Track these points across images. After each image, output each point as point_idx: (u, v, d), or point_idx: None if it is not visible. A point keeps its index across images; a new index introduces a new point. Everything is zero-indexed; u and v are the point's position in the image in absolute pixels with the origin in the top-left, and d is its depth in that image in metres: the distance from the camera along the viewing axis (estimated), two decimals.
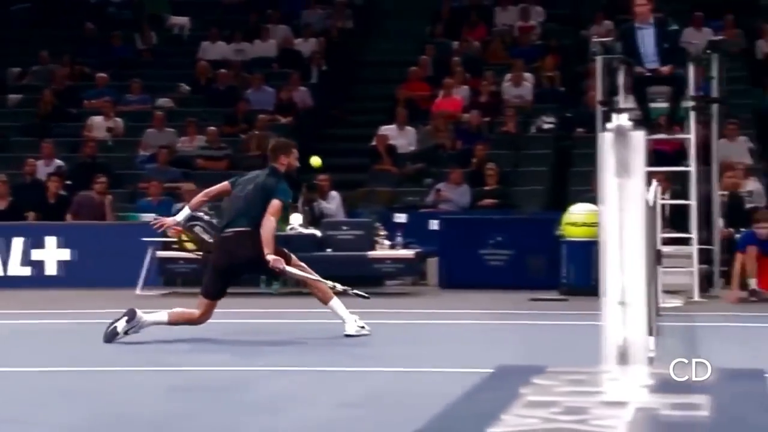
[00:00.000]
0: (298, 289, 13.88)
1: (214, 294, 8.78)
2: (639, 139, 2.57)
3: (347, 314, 8.86)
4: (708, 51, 13.21)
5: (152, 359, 7.87)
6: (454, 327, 9.40)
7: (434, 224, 14.41)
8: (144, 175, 17.11)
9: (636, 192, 2.57)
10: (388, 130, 17.66)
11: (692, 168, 12.61)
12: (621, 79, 12.91)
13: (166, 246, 13.83)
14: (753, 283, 12.00)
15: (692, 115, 12.73)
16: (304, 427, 5.44)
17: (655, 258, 9.80)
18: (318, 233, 13.79)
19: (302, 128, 18.48)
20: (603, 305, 2.56)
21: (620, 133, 2.54)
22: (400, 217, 14.51)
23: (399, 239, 13.79)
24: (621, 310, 2.60)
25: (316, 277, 8.92)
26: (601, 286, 2.58)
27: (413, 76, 19.00)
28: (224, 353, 8.20)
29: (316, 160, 10.63)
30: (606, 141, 2.52)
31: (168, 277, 14.12)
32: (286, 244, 13.56)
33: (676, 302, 11.67)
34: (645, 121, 12.90)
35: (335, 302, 8.87)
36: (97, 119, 18.54)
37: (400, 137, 17.69)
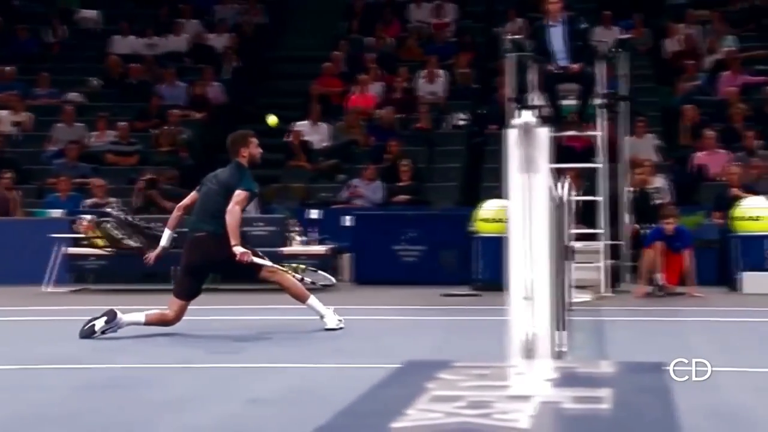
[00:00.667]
0: (215, 285, 13.85)
1: (187, 295, 8.79)
2: (543, 135, 2.60)
3: (324, 309, 8.96)
4: (616, 49, 13.41)
5: (65, 357, 7.74)
6: (366, 323, 9.41)
7: (348, 220, 14.43)
8: (53, 170, 16.83)
9: (541, 188, 2.60)
10: (302, 126, 17.62)
11: (601, 165, 12.80)
12: (532, 76, 13.07)
13: (76, 242, 13.63)
14: (659, 277, 12.22)
15: (601, 112, 12.92)
16: (210, 424, 5.40)
17: (566, 253, 9.95)
18: None
19: (215, 124, 18.33)
20: (509, 300, 2.58)
21: (525, 129, 2.56)
22: (314, 213, 14.49)
23: (313, 235, 13.77)
24: (526, 305, 2.62)
25: (279, 269, 8.94)
26: (507, 282, 2.61)
27: (327, 72, 18.98)
28: (143, 350, 8.10)
29: (272, 119, 10.54)
30: (511, 137, 2.54)
31: (78, 273, 13.91)
32: None
33: (585, 297, 11.84)
34: (555, 118, 13.08)
35: (311, 302, 8.93)
36: (4, 113, 18.17)
37: (314, 133, 17.66)
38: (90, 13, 21.44)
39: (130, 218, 13.49)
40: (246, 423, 5.42)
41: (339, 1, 21.71)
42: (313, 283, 9.16)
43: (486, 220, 12.93)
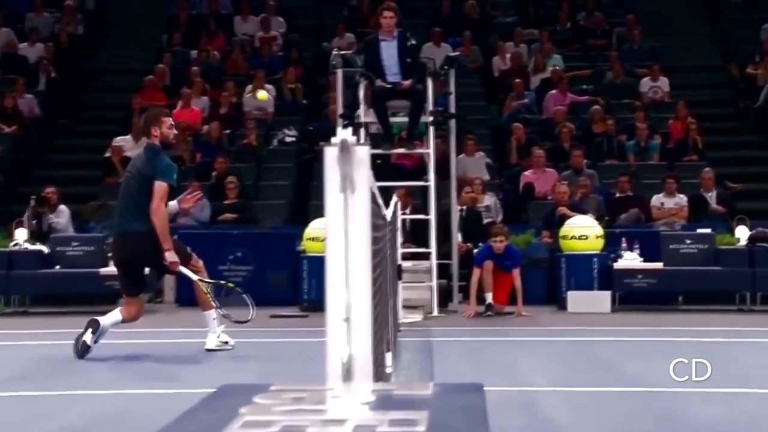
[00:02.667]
0: (24, 308, 13.45)
1: (129, 291, 8.80)
2: (363, 153, 2.63)
3: (214, 328, 8.90)
4: (446, 66, 13.68)
5: None
6: (189, 345, 9.30)
7: None
8: None
9: (360, 207, 2.63)
10: (122, 141, 17.31)
11: (431, 183, 13.01)
12: (362, 92, 13.20)
13: None
14: (489, 297, 12.50)
15: (431, 130, 13.15)
16: None
17: (396, 273, 10.07)
18: (45, 249, 13.36)
19: (29, 138, 17.85)
20: (328, 322, 2.60)
21: (343, 147, 2.59)
22: None
23: None
24: (345, 326, 2.65)
25: (207, 282, 8.87)
26: (326, 303, 2.63)
27: (149, 85, 18.73)
28: None
29: (262, 94, 10.31)
30: (329, 156, 2.57)
31: None
32: (9, 261, 13.17)
33: (415, 317, 12.01)
34: (385, 135, 13.25)
35: (210, 314, 8.88)
36: None
37: (136, 149, 17.35)
38: None
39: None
40: None
41: (161, 11, 21.47)
42: (225, 315, 8.91)
43: (314, 239, 12.97)
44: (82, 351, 8.56)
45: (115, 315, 8.77)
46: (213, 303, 8.87)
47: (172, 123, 8.92)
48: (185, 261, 8.81)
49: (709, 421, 6.08)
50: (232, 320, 8.88)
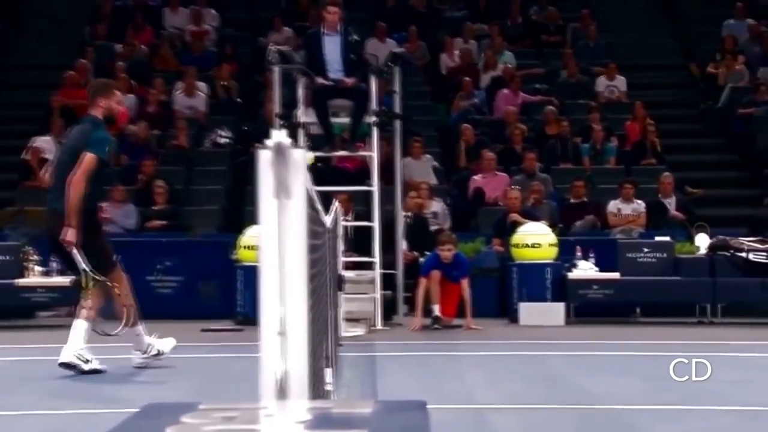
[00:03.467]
0: None
1: (102, 268, 8.51)
2: (299, 157, 2.64)
3: (78, 340, 8.44)
4: (390, 63, 13.70)
5: None
6: (114, 362, 9.22)
7: None
8: None
9: (296, 214, 2.64)
10: (42, 141, 17.13)
11: (375, 187, 13.03)
12: (301, 90, 13.20)
13: None
14: (436, 309, 12.54)
15: (375, 131, 13.17)
16: None
17: (337, 284, 10.07)
18: None
19: None
20: (262, 336, 2.61)
21: (278, 150, 2.60)
22: None
23: (54, 265, 13.39)
24: (280, 341, 2.65)
25: (95, 279, 8.44)
26: (259, 315, 2.63)
27: (70, 81, 18.55)
28: None
29: (310, 157, 10.26)
30: (263, 159, 2.58)
31: None
32: None
33: (357, 331, 12.03)
34: (326, 136, 13.26)
35: (78, 323, 8.48)
36: None
37: (57, 150, 17.22)
38: None
39: None
40: None
41: (83, 2, 21.30)
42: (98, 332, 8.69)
43: (249, 248, 12.94)
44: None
45: (79, 328, 8.45)
46: (128, 320, 8.65)
47: (122, 100, 8.81)
48: (110, 268, 8.64)
49: None
50: (100, 332, 8.43)
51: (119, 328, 8.52)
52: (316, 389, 4.48)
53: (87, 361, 8.52)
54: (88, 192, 8.35)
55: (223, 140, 18.02)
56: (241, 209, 16.42)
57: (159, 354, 9.00)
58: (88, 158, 8.31)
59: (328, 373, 6.48)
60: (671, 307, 13.77)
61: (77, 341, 8.51)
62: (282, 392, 2.60)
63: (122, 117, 8.27)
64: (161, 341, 9.10)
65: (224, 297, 13.65)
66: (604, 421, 6.75)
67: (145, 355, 8.97)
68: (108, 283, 8.60)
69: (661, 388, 8.01)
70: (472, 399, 7.57)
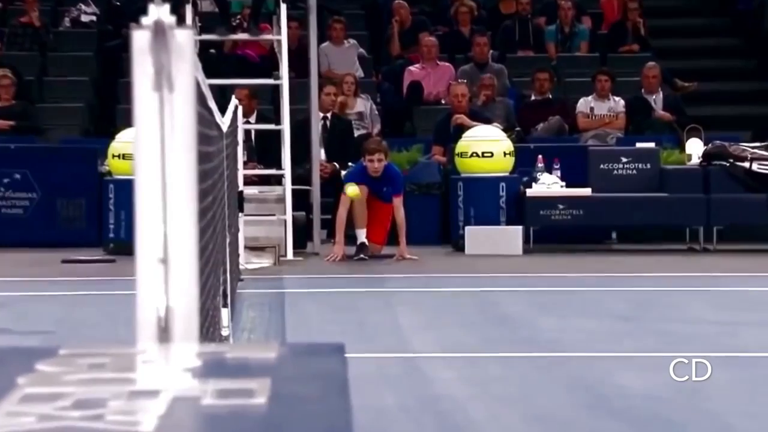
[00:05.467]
0: None
1: None
2: (185, 39, 2.67)
3: None
4: None
5: None
6: None
7: None
8: None
9: (183, 112, 2.68)
10: None
11: (284, 81, 13.02)
12: None
13: None
14: (362, 234, 12.63)
15: (283, 8, 13.12)
16: None
17: (236, 203, 10.13)
18: None
19: None
20: (138, 265, 2.65)
21: (157, 31, 2.63)
22: None
23: None
24: (162, 270, 2.71)
25: None
26: (136, 240, 2.68)
27: None
28: None
29: (353, 190, 11.54)
30: (137, 42, 2.60)
31: None
32: None
33: (262, 262, 12.11)
34: (221, 15, 13.23)
35: None
36: None
37: None
38: None
39: None
40: None
41: None
42: None
43: (123, 157, 12.90)
44: None
45: None
46: None
47: None
48: None
49: (632, 393, 6.33)
50: None
51: None
52: (209, 332, 4.56)
53: None
54: None
55: (87, 18, 17.87)
56: (111, 108, 16.34)
57: None
58: None
59: (225, 314, 6.57)
60: (655, 231, 13.99)
61: None
62: (164, 334, 2.64)
63: None
64: None
65: (91, 219, 13.64)
66: (564, 372, 6.91)
67: None
68: None
69: (635, 332, 8.20)
70: (403, 345, 7.70)
